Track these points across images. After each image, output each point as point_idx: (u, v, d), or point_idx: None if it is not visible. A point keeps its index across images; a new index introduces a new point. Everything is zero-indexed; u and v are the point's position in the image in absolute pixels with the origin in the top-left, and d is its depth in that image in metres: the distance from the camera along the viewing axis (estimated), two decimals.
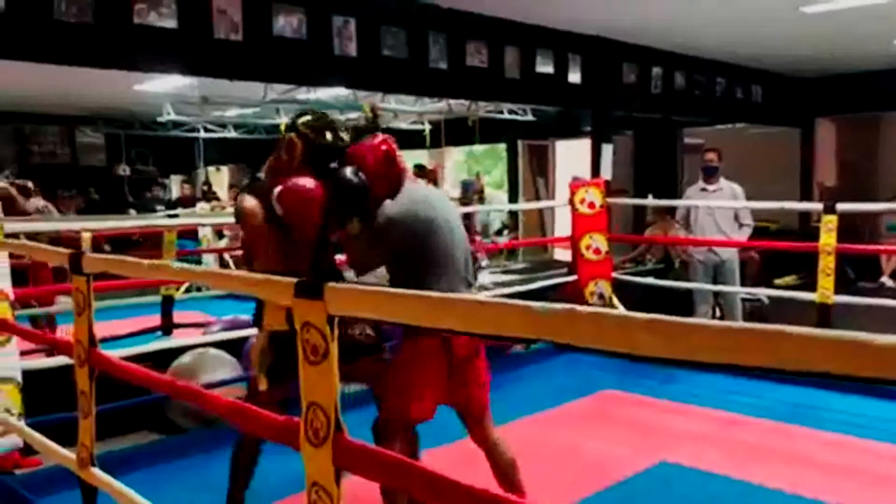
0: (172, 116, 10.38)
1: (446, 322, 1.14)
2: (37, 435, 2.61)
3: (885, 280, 9.29)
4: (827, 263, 4.71)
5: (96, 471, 2.14)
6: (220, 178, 15.50)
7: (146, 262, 1.86)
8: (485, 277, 8.18)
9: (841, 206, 4.76)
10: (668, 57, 7.84)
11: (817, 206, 5.25)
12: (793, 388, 4.55)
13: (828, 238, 4.69)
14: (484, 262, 10.86)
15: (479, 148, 14.57)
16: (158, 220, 5.42)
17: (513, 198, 12.51)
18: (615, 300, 5.95)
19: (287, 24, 5.08)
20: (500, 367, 5.43)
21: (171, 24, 4.51)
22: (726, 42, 7.55)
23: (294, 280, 1.38)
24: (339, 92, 8.85)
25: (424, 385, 2.58)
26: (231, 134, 12.17)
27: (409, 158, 12.55)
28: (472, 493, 1.19)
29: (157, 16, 4.46)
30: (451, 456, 3.23)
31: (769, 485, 3.38)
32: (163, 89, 8.81)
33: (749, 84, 9.10)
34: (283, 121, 11.09)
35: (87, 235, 6.47)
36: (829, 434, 4.02)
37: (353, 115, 10.67)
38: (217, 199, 10.75)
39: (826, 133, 10.68)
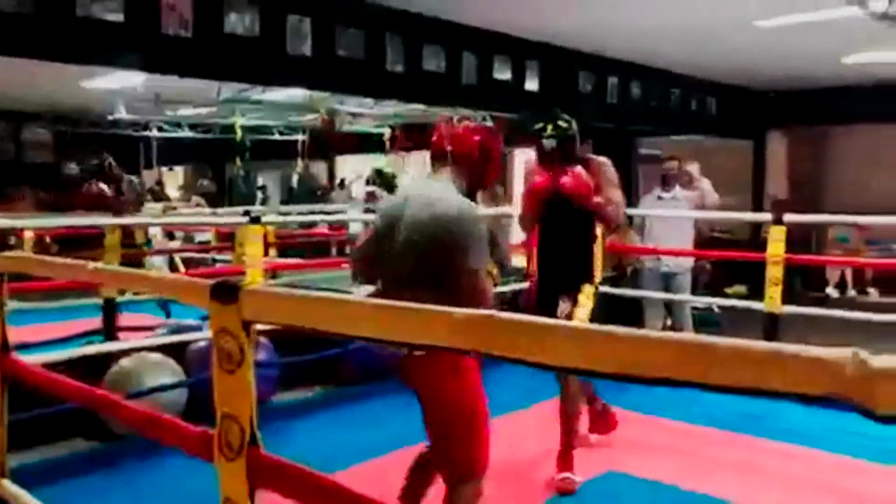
0: (123, 115, 10.15)
1: (363, 329, 1.07)
2: None
3: (831, 290, 9.48)
4: (774, 273, 4.75)
5: (7, 483, 2.01)
6: (175, 178, 15.21)
7: (61, 261, 1.76)
8: None
9: (788, 218, 4.81)
10: (624, 67, 7.88)
11: (766, 216, 5.31)
12: (742, 397, 4.55)
13: (775, 248, 4.73)
14: None
15: None
16: (97, 219, 5.24)
17: None
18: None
19: (239, 21, 4.97)
20: None
21: (116, 17, 4.37)
22: (682, 54, 7.62)
23: (210, 282, 1.30)
24: (295, 92, 8.71)
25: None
26: (186, 133, 11.94)
27: (370, 162, 12.48)
28: None
29: (102, 8, 4.32)
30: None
31: (717, 495, 3.38)
32: (112, 86, 8.57)
33: (704, 96, 9.20)
34: (239, 120, 10.98)
35: (28, 235, 6.26)
36: (778, 444, 4.03)
37: (310, 116, 10.59)
38: (168, 199, 10.51)
39: (777, 146, 10.88)
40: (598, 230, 3.74)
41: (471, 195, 2.50)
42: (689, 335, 0.75)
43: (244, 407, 1.25)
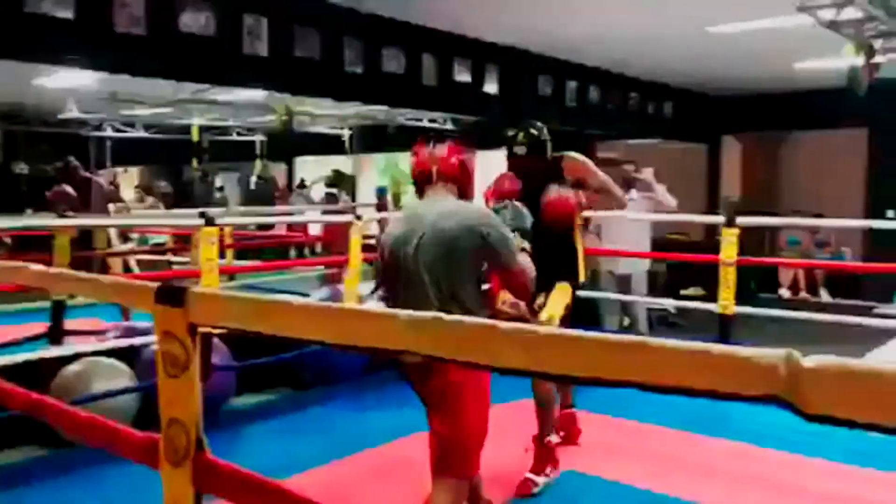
0: (77, 114, 9.93)
1: (310, 332, 1.06)
2: None
3: (783, 292, 9.70)
4: (727, 275, 4.83)
5: None
6: (130, 179, 14.92)
7: (2, 264, 1.71)
8: None
9: (740, 220, 4.89)
10: (583, 71, 7.97)
11: (719, 218, 5.39)
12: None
13: (729, 250, 4.81)
14: None
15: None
16: (45, 220, 5.11)
17: None
18: (522, 307, 5.96)
19: (194, 19, 4.90)
20: None
21: (66, 14, 4.28)
22: (638, 59, 7.73)
23: (155, 285, 1.27)
24: (253, 93, 8.62)
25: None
26: (141, 133, 11.73)
27: (330, 164, 12.38)
28: None
29: (52, 4, 4.23)
30: None
31: (674, 494, 3.42)
32: (65, 84, 8.39)
33: (661, 100, 9.35)
34: (196, 121, 10.82)
35: None
36: (732, 443, 4.08)
37: (269, 117, 10.48)
38: (122, 200, 10.30)
39: (732, 150, 11.09)
40: (578, 232, 3.78)
41: None
42: (628, 336, 0.76)
43: (190, 411, 1.22)
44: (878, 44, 5.27)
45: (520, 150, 3.50)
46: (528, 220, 2.91)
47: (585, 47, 7.22)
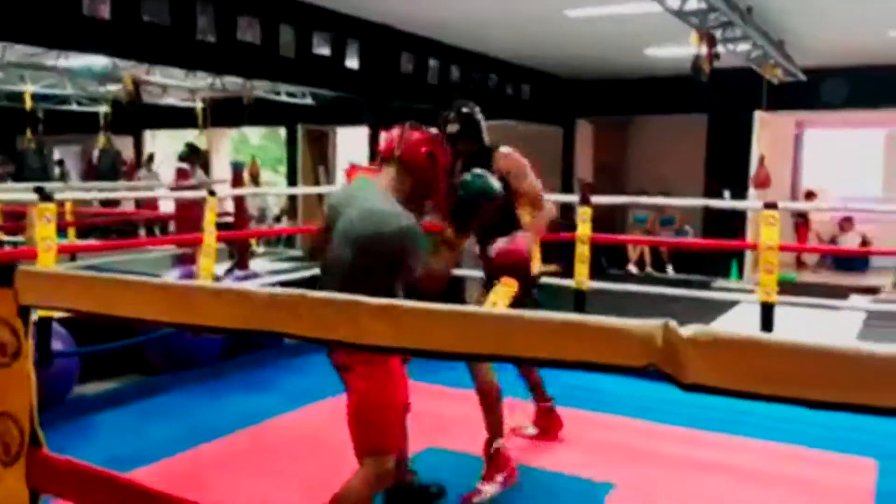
0: None
1: (151, 312, 0.97)
2: None
3: (631, 268, 10.25)
4: (582, 252, 5.02)
5: None
6: None
7: None
8: (259, 265, 7.87)
9: (594, 199, 5.10)
10: (444, 50, 7.99)
11: (574, 198, 5.60)
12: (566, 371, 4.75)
13: (583, 229, 5.00)
14: (260, 249, 10.47)
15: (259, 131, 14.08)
16: None
17: (291, 183, 12.21)
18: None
19: None
20: (277, 357, 5.27)
21: None
22: (498, 39, 7.84)
23: None
24: (97, 59, 8.02)
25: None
26: None
27: (181, 138, 11.79)
28: None
29: None
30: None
31: (531, 464, 3.52)
32: None
33: (519, 82, 9.55)
34: (29, 88, 9.93)
35: None
36: (593, 414, 4.23)
37: (114, 87, 9.81)
38: None
39: (585, 133, 11.55)
40: (527, 218, 3.52)
41: (413, 201, 2.55)
42: (502, 310, 0.74)
43: (23, 403, 1.10)
44: (718, 34, 5.61)
45: (452, 128, 3.38)
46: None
47: (447, 26, 7.23)
